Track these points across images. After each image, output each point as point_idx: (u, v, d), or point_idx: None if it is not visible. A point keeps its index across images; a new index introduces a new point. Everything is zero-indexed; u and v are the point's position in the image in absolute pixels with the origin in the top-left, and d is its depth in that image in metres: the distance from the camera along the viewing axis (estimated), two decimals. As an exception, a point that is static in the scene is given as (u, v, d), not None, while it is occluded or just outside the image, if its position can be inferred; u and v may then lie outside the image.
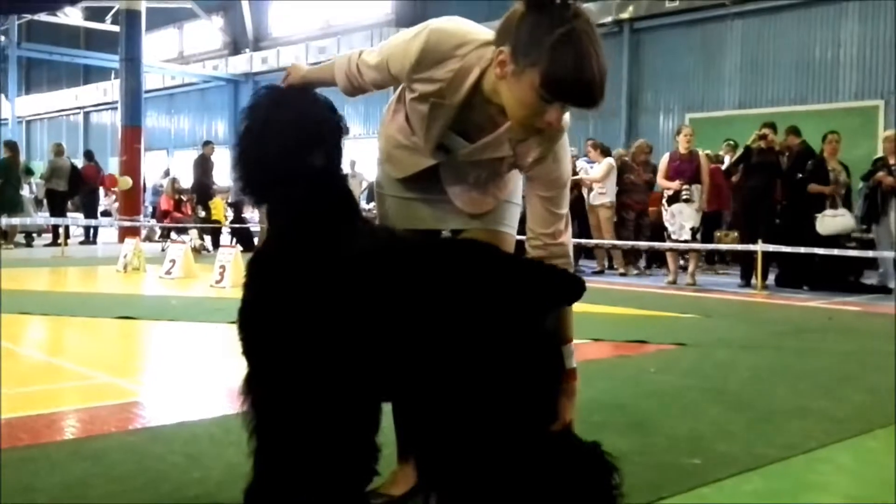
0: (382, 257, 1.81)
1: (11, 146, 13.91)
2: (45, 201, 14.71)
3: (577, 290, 1.75)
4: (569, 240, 1.91)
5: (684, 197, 8.72)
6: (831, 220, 8.28)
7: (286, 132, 1.87)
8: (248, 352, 1.92)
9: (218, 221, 13.08)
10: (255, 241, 12.59)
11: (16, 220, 12.84)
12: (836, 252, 8.12)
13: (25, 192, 13.94)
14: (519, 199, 2.16)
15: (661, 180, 9.02)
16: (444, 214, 2.09)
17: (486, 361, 1.66)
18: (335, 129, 1.97)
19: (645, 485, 2.28)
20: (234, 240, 12.53)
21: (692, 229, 8.78)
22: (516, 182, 2.13)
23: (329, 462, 1.99)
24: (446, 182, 2.03)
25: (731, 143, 10.38)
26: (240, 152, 1.93)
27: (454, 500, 1.66)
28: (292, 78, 2.06)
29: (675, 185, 8.74)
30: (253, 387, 1.93)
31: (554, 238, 1.87)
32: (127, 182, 14.75)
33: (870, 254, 8.40)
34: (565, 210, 1.91)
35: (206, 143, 14.18)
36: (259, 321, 1.89)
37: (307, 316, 1.81)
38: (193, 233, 12.71)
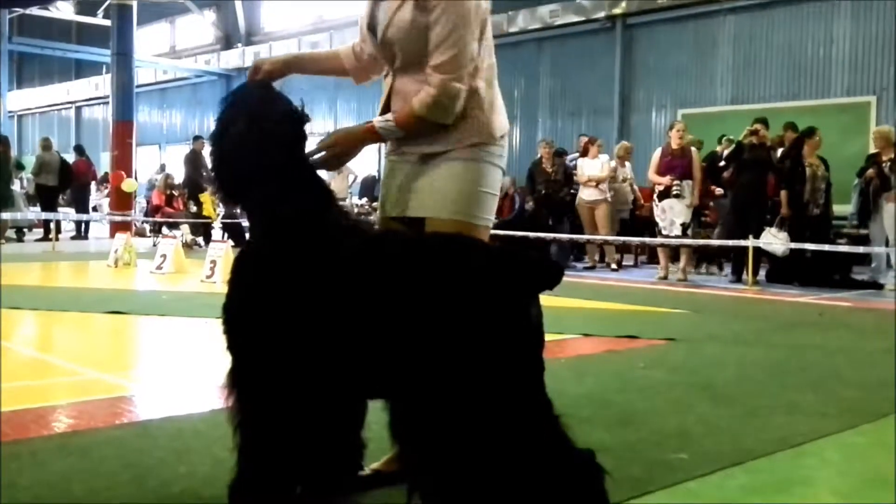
0: (363, 252, 1.82)
1: (2, 141, 13.83)
2: (38, 196, 14.61)
3: (555, 276, 1.75)
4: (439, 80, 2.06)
5: (675, 192, 8.73)
6: (770, 240, 8.36)
7: (246, 133, 1.93)
8: (232, 347, 1.93)
9: (209, 217, 13.04)
10: (247, 236, 12.55)
11: (6, 216, 12.78)
12: (827, 248, 8.15)
13: (16, 187, 13.83)
14: (492, 188, 2.20)
15: (651, 175, 9.03)
16: (406, 198, 2.19)
17: (470, 353, 1.66)
18: (296, 122, 1.99)
19: (631, 480, 2.29)
20: (226, 235, 12.50)
21: (682, 225, 8.79)
22: (489, 173, 2.16)
23: (312, 457, 2.00)
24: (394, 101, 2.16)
25: (730, 138, 10.39)
26: (212, 156, 2.03)
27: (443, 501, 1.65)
28: (257, 74, 2.19)
29: (666, 180, 8.75)
30: (237, 382, 1.94)
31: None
32: (133, 185, 14.71)
33: (861, 249, 8.44)
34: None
35: (197, 139, 14.12)
36: (243, 317, 1.90)
37: (290, 311, 1.82)
38: (185, 228, 12.68)
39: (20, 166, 14.46)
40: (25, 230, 14.43)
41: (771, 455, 2.62)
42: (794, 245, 8.20)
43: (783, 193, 8.62)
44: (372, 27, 2.21)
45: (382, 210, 2.28)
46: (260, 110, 1.97)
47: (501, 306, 1.69)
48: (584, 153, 10.43)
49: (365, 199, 14.14)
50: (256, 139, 1.93)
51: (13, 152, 14.83)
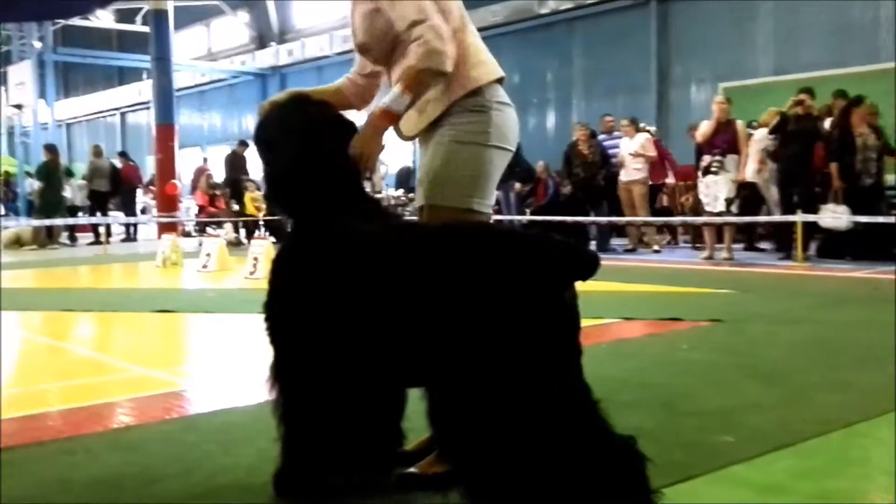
0: (400, 244, 1.84)
1: (52, 149, 14.23)
2: (86, 202, 15.01)
3: (591, 266, 1.73)
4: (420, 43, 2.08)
5: (713, 169, 8.57)
6: (830, 218, 8.14)
7: (283, 138, 2.00)
8: (274, 341, 1.97)
9: (251, 215, 13.26)
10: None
11: (59, 221, 13.18)
12: (881, 220, 7.90)
13: (66, 193, 14.24)
14: (482, 168, 2.18)
15: (698, 136, 8.85)
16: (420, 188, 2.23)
17: (506, 340, 1.65)
18: (334, 126, 2.03)
19: (674, 464, 2.24)
20: (267, 231, 12.68)
21: (727, 200, 8.62)
22: (480, 153, 2.16)
23: (353, 447, 2.02)
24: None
25: (779, 110, 10.09)
26: (265, 175, 2.12)
27: (483, 492, 1.65)
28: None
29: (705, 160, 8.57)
30: (279, 374, 1.98)
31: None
32: (175, 186, 15.02)
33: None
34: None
35: (241, 143, 14.42)
36: (284, 312, 1.95)
37: (329, 305, 1.85)
38: (228, 226, 12.89)
39: (70, 173, 14.89)
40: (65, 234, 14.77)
41: (821, 436, 2.54)
42: (856, 218, 7.95)
43: (833, 166, 8.36)
44: (354, 42, 2.29)
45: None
46: (304, 122, 2.03)
47: (536, 293, 1.68)
48: (608, 132, 10.29)
49: (401, 191, 14.20)
50: (302, 151, 1.99)
51: (63, 160, 15.26)
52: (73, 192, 14.67)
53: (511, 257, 1.71)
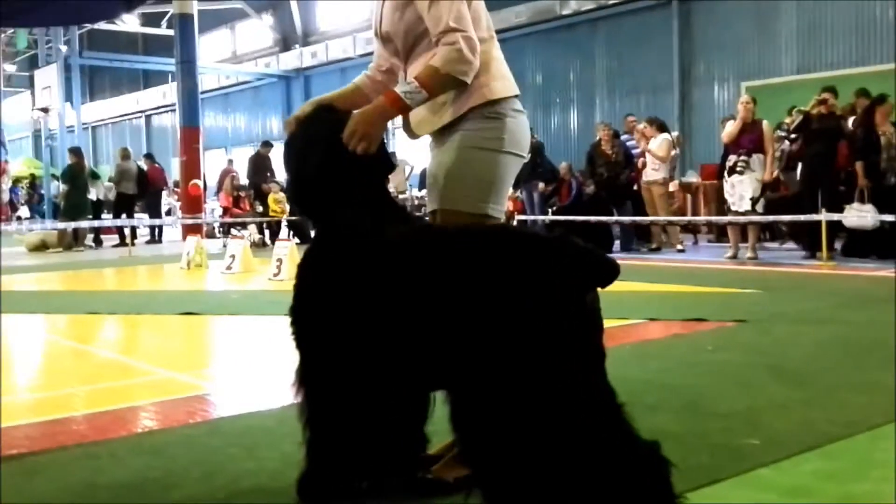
0: (423, 248, 1.85)
1: (76, 152, 14.40)
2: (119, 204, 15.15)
3: (611, 273, 1.73)
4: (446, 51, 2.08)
5: (738, 169, 8.49)
6: (856, 217, 7.99)
7: (307, 148, 2.03)
8: (300, 346, 1.98)
9: (275, 216, 13.34)
10: (312, 233, 12.82)
11: (84, 224, 13.34)
12: (905, 219, 7.78)
13: (92, 195, 14.41)
14: (496, 173, 2.18)
15: (724, 136, 8.78)
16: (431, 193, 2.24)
17: (529, 343, 1.65)
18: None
19: (699, 468, 2.23)
20: (291, 233, 12.76)
21: (752, 199, 8.53)
22: (491, 158, 2.15)
23: (378, 451, 2.03)
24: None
25: (801, 109, 9.96)
26: (288, 183, 2.15)
27: (505, 495, 1.65)
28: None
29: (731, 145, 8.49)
30: (305, 378, 1.99)
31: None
32: (196, 185, 15.14)
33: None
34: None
35: (265, 144, 14.51)
36: (309, 317, 1.96)
37: (354, 310, 1.86)
38: (252, 228, 12.99)
39: (95, 175, 15.06)
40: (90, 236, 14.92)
41: (847, 438, 2.51)
42: (870, 217, 7.85)
43: (858, 164, 8.25)
44: (377, 31, 2.28)
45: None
46: (324, 131, 2.04)
47: (558, 296, 1.68)
48: (630, 132, 10.25)
49: (425, 191, 14.21)
50: (324, 159, 2.01)
51: (89, 163, 15.43)
52: (98, 192, 14.81)
53: (533, 261, 1.71)
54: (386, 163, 2.11)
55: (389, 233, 1.92)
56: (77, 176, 13.86)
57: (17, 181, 24.33)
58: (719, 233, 10.44)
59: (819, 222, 8.13)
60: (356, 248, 1.91)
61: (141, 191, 15.12)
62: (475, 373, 1.68)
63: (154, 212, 16.13)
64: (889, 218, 7.79)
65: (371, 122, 2.03)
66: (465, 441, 1.74)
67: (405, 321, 1.79)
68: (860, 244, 8.35)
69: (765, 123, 8.73)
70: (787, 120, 9.68)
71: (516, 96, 2.24)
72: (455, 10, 2.08)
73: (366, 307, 1.84)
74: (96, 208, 14.66)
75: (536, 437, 1.62)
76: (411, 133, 2.30)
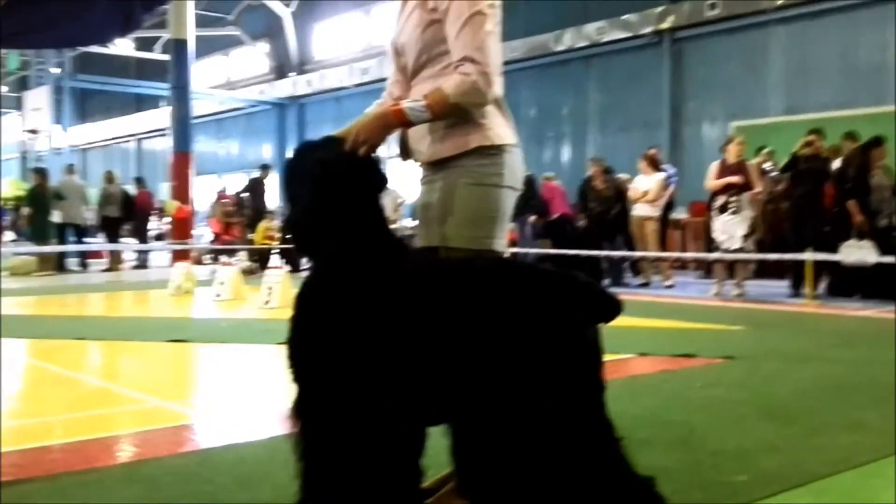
0: (424, 281, 1.85)
1: (41, 173, 13.96)
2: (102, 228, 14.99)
3: (613, 310, 1.75)
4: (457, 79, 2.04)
5: (732, 210, 8.61)
6: (854, 251, 8.09)
7: (301, 185, 1.98)
8: (297, 379, 1.96)
9: (266, 243, 13.31)
10: (303, 261, 12.78)
11: (72, 247, 13.15)
12: (891, 259, 7.86)
13: (56, 218, 13.62)
14: (499, 210, 2.17)
15: (710, 183, 8.88)
16: (427, 230, 2.21)
17: (530, 377, 1.67)
18: (358, 168, 2.01)
19: (690, 503, 2.25)
20: (283, 260, 12.73)
21: (744, 237, 8.64)
22: (491, 194, 2.14)
23: (374, 485, 2.02)
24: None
25: (769, 150, 10.16)
26: (286, 218, 2.08)
27: None
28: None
29: (734, 179, 8.60)
30: (302, 411, 1.97)
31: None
32: (174, 206, 15.02)
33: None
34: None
35: (264, 167, 14.52)
36: (307, 350, 1.94)
37: (354, 344, 1.85)
38: (243, 254, 12.95)
39: (59, 196, 14.53)
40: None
41: (835, 475, 2.55)
42: (854, 257, 7.93)
43: (852, 203, 8.34)
44: (393, 41, 2.26)
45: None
46: (320, 166, 1.99)
47: (561, 331, 1.70)
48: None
49: (418, 221, 14.22)
50: (319, 195, 1.96)
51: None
52: (63, 215, 13.82)
53: (536, 295, 1.72)
54: (380, 178, 2.05)
55: (389, 266, 1.91)
56: (38, 198, 13.42)
57: (3, 203, 24.13)
58: (707, 269, 10.52)
59: (803, 262, 8.21)
60: (355, 280, 1.89)
61: (126, 214, 14.98)
62: (478, 406, 1.70)
63: (142, 237, 16.06)
64: (890, 259, 7.85)
65: (372, 128, 2.02)
66: (467, 473, 1.75)
67: (405, 355, 1.79)
68: (845, 284, 8.44)
69: (750, 164, 8.91)
70: (757, 160, 9.84)
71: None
72: (480, 41, 2.04)
73: (368, 341, 1.83)
74: (80, 234, 14.33)
75: (537, 471, 1.64)
76: (405, 153, 2.28)
